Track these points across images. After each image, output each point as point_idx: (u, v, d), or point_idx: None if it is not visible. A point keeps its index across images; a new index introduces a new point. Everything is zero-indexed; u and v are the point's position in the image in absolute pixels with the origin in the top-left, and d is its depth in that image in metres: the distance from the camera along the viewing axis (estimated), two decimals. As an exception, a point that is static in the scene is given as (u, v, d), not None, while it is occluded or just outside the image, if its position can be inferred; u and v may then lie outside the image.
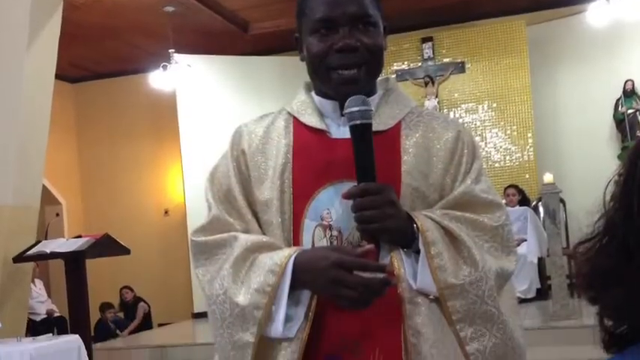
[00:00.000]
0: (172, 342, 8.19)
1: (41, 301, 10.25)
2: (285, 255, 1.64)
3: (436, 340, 1.66)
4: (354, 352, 1.66)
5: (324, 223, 1.73)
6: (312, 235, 1.73)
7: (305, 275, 1.62)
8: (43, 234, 9.81)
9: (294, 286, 1.64)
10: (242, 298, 1.65)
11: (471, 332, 1.69)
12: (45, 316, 10.17)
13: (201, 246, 1.78)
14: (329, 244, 1.72)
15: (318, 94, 1.85)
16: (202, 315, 8.65)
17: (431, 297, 1.69)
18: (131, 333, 10.38)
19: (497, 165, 10.30)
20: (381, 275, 1.59)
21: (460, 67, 10.58)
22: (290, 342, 1.65)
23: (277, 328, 1.64)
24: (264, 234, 1.76)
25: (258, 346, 1.66)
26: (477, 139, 9.76)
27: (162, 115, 11.89)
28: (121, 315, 11.19)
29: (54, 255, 6.54)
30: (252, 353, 1.66)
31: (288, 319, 1.64)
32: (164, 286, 11.90)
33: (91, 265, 7.03)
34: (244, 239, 1.71)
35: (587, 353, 5.36)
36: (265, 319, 1.64)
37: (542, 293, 8.72)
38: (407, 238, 1.68)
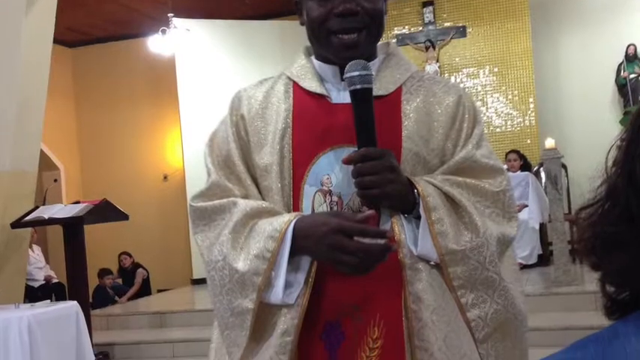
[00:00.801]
0: (171, 308, 8.22)
1: (39, 267, 10.27)
2: (285, 221, 1.63)
3: (437, 307, 1.65)
4: (354, 319, 1.66)
5: (324, 188, 1.72)
6: (312, 201, 1.72)
7: (305, 241, 1.61)
8: (41, 200, 9.82)
9: (294, 252, 1.63)
10: (241, 264, 1.64)
11: (472, 298, 1.69)
12: (43, 282, 10.21)
13: (201, 212, 1.78)
14: (329, 209, 1.71)
15: (317, 58, 1.83)
16: (201, 281, 8.70)
17: (432, 263, 1.69)
18: (130, 299, 10.40)
19: (498, 130, 10.28)
20: (381, 241, 1.58)
21: (461, 32, 10.51)
22: (290, 308, 1.65)
23: (277, 295, 1.63)
24: (263, 200, 1.75)
25: (257, 313, 1.65)
26: (478, 104, 9.75)
27: (161, 80, 11.84)
28: (120, 281, 11.23)
29: (52, 221, 6.54)
30: (251, 319, 1.65)
31: (287, 285, 1.63)
32: (163, 252, 11.94)
33: (90, 231, 7.04)
34: (244, 205, 1.70)
35: (589, 320, 5.38)
36: (265, 285, 1.63)
37: (544, 259, 8.75)
38: (408, 204, 1.67)
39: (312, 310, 1.66)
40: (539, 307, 6.31)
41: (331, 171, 1.72)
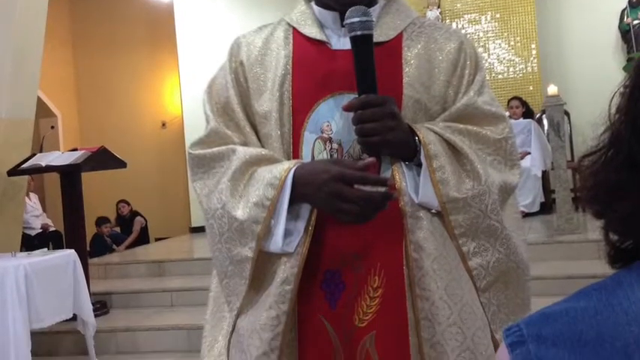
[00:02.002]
0: (170, 257, 8.23)
1: (36, 215, 10.29)
2: (285, 168, 1.62)
3: (438, 255, 1.65)
4: (354, 268, 1.66)
5: (324, 135, 1.71)
6: (312, 148, 1.71)
7: (305, 189, 1.60)
8: (38, 147, 9.80)
9: (294, 200, 1.62)
10: (240, 212, 1.64)
11: (473, 247, 1.69)
12: (40, 230, 10.23)
13: (199, 159, 1.76)
14: (329, 157, 1.69)
15: (317, 4, 1.80)
16: (200, 229, 8.72)
17: (433, 211, 1.68)
18: (128, 248, 10.40)
19: (500, 77, 10.20)
20: (382, 189, 1.57)
21: (462, -23, 10.36)
22: (289, 257, 1.64)
23: (276, 243, 1.63)
24: (263, 147, 1.74)
25: (256, 261, 1.65)
26: (480, 50, 9.65)
27: (160, 26, 11.73)
28: (118, 229, 11.26)
29: (49, 168, 6.52)
30: (250, 268, 1.65)
31: (287, 233, 1.63)
32: (161, 200, 11.97)
33: (87, 178, 7.03)
34: (243, 152, 1.69)
35: (592, 268, 5.40)
36: (264, 233, 1.62)
37: (546, 207, 8.76)
38: (408, 151, 1.66)
39: (312, 259, 1.65)
40: (541, 255, 6.33)
41: (331, 118, 1.70)
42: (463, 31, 9.42)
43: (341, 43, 1.73)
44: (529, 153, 8.43)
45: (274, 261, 1.66)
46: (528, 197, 8.42)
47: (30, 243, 9.09)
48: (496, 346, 1.69)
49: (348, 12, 1.61)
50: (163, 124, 12.42)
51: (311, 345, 1.67)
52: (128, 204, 11.36)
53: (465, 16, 10.41)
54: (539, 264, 6.00)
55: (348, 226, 1.62)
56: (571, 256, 6.54)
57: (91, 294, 5.82)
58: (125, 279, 7.79)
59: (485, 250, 1.68)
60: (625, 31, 9.89)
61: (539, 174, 8.58)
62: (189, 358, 5.42)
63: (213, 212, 1.69)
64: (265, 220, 1.61)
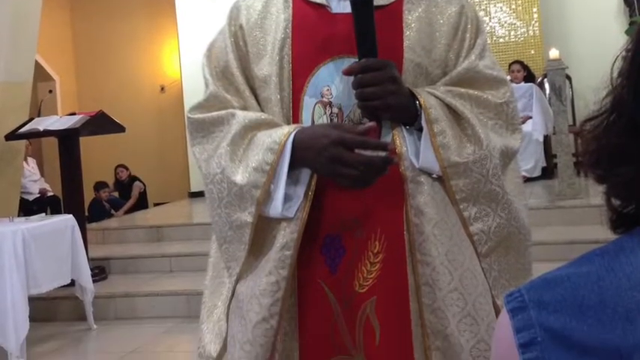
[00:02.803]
0: (168, 222, 8.22)
1: (34, 179, 10.27)
2: (285, 133, 1.61)
3: (439, 220, 1.64)
4: (354, 233, 1.65)
5: (324, 100, 1.70)
6: (312, 113, 1.70)
7: (305, 153, 1.59)
8: (36, 111, 9.76)
9: (294, 165, 1.61)
10: (240, 177, 1.63)
11: (474, 212, 1.68)
12: (38, 195, 10.22)
13: (198, 123, 1.75)
14: (329, 121, 1.68)
15: (317, -33, 1.78)
16: (199, 194, 8.71)
17: (434, 176, 1.67)
18: (126, 213, 10.39)
19: (501, 40, 10.14)
20: (382, 154, 1.56)
21: (464, -62, 10.23)
22: (289, 222, 1.64)
23: (276, 208, 1.62)
24: (262, 111, 1.73)
25: (256, 227, 1.65)
26: (481, 14, 9.56)
27: (158, -12, 11.62)
28: (116, 194, 11.26)
29: (47, 133, 6.49)
30: (250, 233, 1.65)
31: (287, 198, 1.62)
32: (160, 165, 11.96)
33: (85, 143, 7.02)
34: (242, 116, 1.68)
35: (594, 233, 5.40)
36: (264, 198, 1.62)
37: (548, 172, 8.75)
38: (409, 116, 1.65)
39: (312, 224, 1.65)
40: (543, 220, 6.33)
41: (331, 82, 1.69)
42: (464, -5, 9.33)
43: (341, 6, 1.71)
44: (530, 117, 8.41)
45: (274, 226, 1.66)
46: (530, 162, 8.41)
47: (28, 208, 9.10)
48: (497, 312, 1.68)
49: None
50: (162, 88, 12.37)
51: (311, 310, 1.67)
52: (127, 169, 11.34)
53: (466, -21, 10.30)
54: (541, 229, 6.00)
55: (349, 191, 1.61)
56: (573, 221, 6.54)
57: (90, 259, 5.83)
58: (124, 244, 7.79)
59: (487, 215, 1.68)
60: (627, -6, 9.82)
61: (541, 138, 8.57)
62: (189, 324, 5.44)
63: (213, 177, 1.68)
64: (265, 185, 1.60)
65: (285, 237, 1.64)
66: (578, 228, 6.28)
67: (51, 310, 6.10)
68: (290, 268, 1.63)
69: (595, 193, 6.49)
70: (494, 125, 1.73)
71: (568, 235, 6.15)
